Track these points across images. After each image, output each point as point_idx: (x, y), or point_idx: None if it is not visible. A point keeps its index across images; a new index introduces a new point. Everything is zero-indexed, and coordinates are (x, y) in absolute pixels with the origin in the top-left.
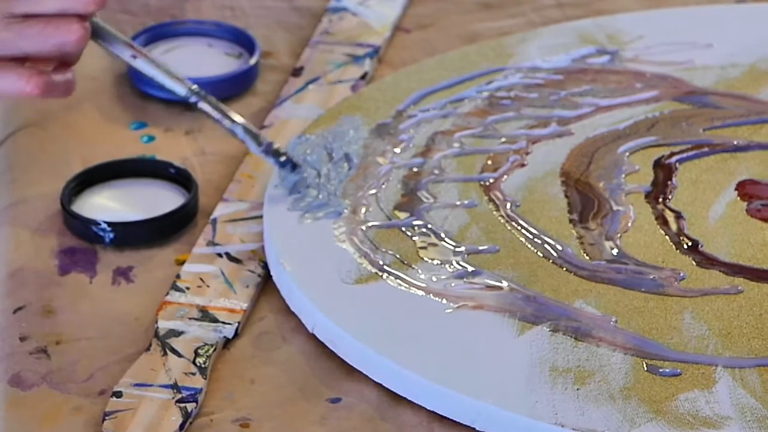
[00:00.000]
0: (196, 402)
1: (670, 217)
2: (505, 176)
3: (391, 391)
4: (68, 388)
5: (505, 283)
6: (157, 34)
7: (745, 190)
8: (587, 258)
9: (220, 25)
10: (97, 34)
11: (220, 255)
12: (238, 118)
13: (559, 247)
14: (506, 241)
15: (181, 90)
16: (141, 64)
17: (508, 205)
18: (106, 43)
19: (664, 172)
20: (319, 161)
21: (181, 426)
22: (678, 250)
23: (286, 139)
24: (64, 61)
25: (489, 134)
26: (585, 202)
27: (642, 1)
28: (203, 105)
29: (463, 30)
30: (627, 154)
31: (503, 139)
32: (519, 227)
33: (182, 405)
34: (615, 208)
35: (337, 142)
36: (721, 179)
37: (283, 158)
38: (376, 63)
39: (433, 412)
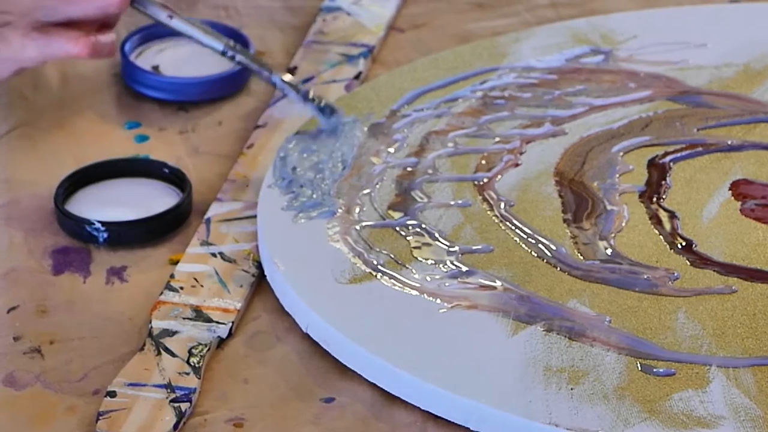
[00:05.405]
0: (190, 402)
1: (663, 216)
2: (499, 176)
3: (385, 391)
4: (62, 387)
5: (498, 283)
6: (151, 34)
7: (739, 189)
8: (581, 258)
9: (214, 25)
10: None
11: (213, 255)
12: (275, 70)
13: (553, 247)
14: (500, 241)
15: (218, 46)
16: (178, 24)
17: (502, 205)
18: (142, 6)
19: (657, 171)
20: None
21: (175, 426)
22: (672, 250)
23: (280, 138)
24: (105, 24)
25: (483, 134)
26: (579, 201)
27: (636, 1)
28: (241, 58)
29: (457, 29)
30: (621, 153)
31: (497, 139)
32: (513, 227)
33: (176, 405)
34: (609, 207)
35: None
36: (715, 179)
37: (320, 104)
38: (370, 62)
39: (426, 411)
